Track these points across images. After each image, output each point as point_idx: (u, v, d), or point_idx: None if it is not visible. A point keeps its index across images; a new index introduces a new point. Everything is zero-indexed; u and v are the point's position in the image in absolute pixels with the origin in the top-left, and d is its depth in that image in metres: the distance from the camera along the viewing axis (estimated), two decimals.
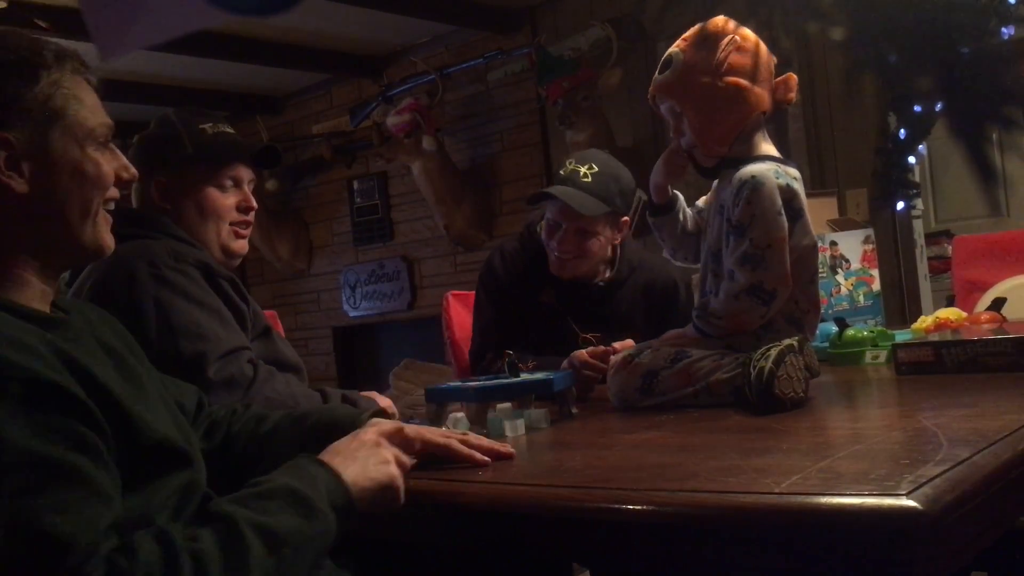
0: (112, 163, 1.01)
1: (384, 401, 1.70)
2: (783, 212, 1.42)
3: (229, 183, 1.67)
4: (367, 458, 0.99)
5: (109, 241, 1.02)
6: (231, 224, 1.67)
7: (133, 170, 1.03)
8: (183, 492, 0.96)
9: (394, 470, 0.99)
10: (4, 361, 0.82)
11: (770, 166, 1.45)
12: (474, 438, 1.16)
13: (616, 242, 2.09)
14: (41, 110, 0.93)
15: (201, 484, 1.02)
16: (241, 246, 1.70)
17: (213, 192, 1.65)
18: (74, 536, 0.77)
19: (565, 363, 1.76)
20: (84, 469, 0.82)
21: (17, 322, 0.88)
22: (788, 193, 1.43)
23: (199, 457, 1.04)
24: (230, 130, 1.72)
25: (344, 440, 1.02)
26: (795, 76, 1.52)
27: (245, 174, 1.70)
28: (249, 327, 1.59)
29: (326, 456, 0.98)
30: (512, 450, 1.15)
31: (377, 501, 0.98)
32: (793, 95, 1.52)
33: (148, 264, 1.48)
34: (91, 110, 0.98)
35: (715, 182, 1.57)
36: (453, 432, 1.18)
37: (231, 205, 1.67)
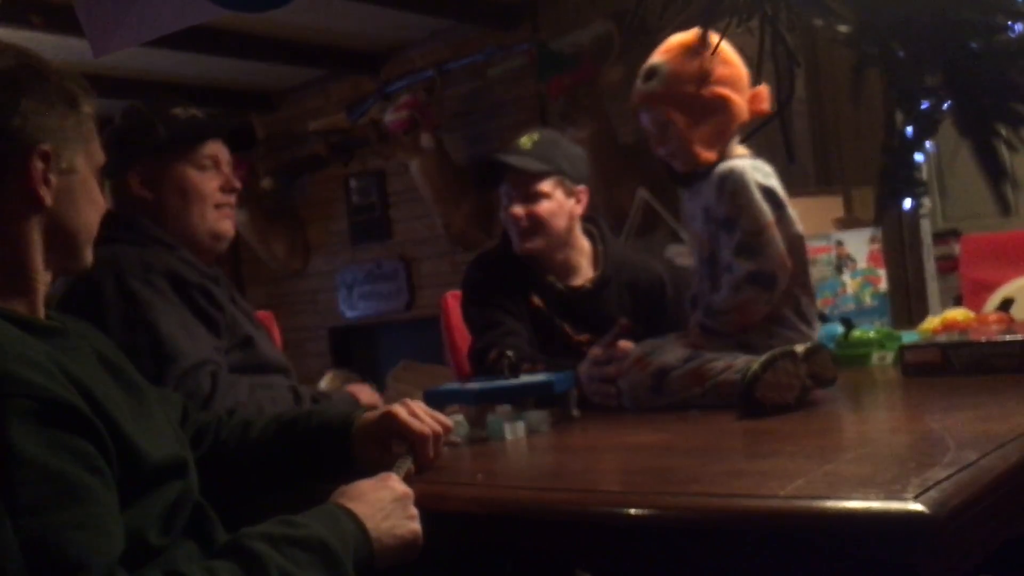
0: (101, 194, 1.07)
1: (366, 396, 1.68)
2: (765, 200, 1.46)
3: (208, 163, 1.65)
4: (394, 512, 1.00)
5: (91, 262, 1.07)
6: (216, 206, 1.65)
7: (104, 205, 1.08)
8: (175, 503, 0.96)
9: (418, 527, 1.01)
10: (15, 378, 0.83)
11: (745, 160, 1.50)
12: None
13: (577, 213, 2.06)
14: (75, 134, 1.00)
15: (193, 492, 1.02)
16: (228, 228, 1.69)
17: (193, 173, 1.63)
18: (91, 555, 0.78)
19: (583, 367, 1.62)
20: (95, 489, 0.83)
21: (23, 335, 0.89)
22: (764, 186, 1.47)
23: (192, 464, 1.04)
24: (200, 113, 1.71)
25: (373, 485, 1.03)
26: (767, 88, 1.55)
27: (223, 154, 1.69)
28: (224, 335, 1.55)
29: (356, 504, 0.99)
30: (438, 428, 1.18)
31: (397, 557, 1.00)
32: (766, 106, 1.55)
33: (114, 277, 1.47)
34: (97, 145, 1.05)
35: (686, 194, 1.60)
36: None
37: (214, 187, 1.66)
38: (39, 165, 0.95)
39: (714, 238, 1.50)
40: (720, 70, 1.51)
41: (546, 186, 2.00)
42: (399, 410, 1.17)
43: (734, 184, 1.46)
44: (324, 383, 1.89)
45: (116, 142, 1.65)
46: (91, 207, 1.03)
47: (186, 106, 1.69)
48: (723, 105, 1.51)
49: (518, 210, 2.00)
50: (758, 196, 1.45)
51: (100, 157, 1.05)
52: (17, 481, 0.78)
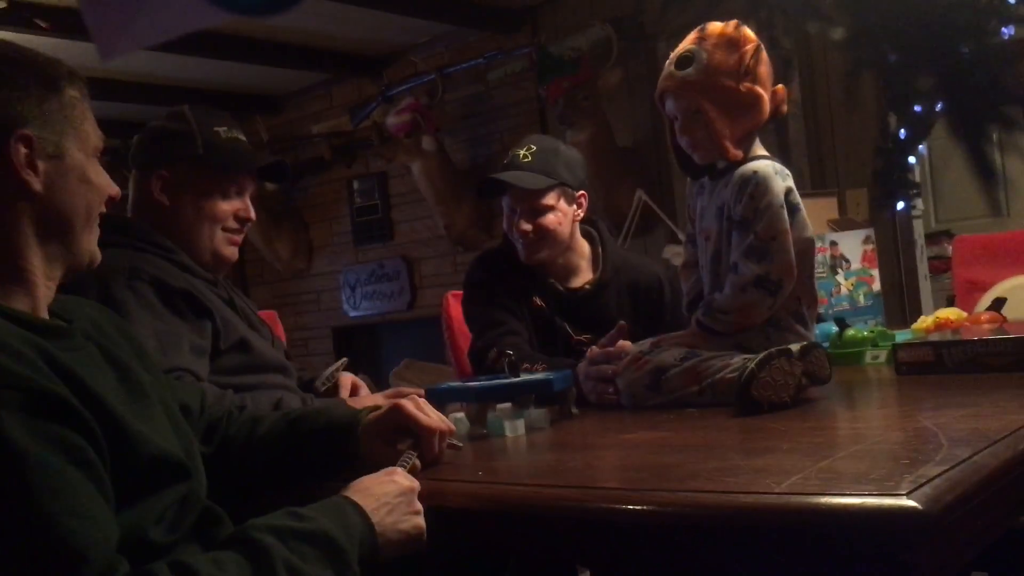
0: (104, 177, 1.05)
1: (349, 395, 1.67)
2: (784, 205, 1.45)
3: (232, 190, 1.66)
4: (399, 506, 1.01)
5: (99, 254, 1.05)
6: (224, 230, 1.66)
7: (116, 188, 1.07)
8: (180, 505, 0.96)
9: (422, 521, 1.02)
10: (1, 370, 0.82)
11: (768, 163, 1.48)
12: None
13: (578, 218, 2.08)
14: (59, 116, 0.98)
15: (200, 496, 1.02)
16: (232, 253, 1.68)
17: (215, 197, 1.64)
18: (89, 547, 0.78)
19: (582, 366, 1.64)
20: (86, 480, 0.82)
21: (14, 330, 0.89)
22: (785, 189, 1.47)
23: (200, 468, 1.03)
24: (242, 137, 1.70)
25: (379, 479, 1.03)
26: (784, 88, 1.55)
27: (249, 184, 1.69)
28: (210, 339, 1.54)
29: (361, 497, 0.99)
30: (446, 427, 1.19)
31: (401, 551, 1.00)
32: (786, 107, 1.55)
33: (99, 283, 1.45)
34: (93, 126, 1.03)
35: (697, 188, 1.59)
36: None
37: (229, 212, 1.66)
38: (21, 150, 0.94)
39: (724, 236, 1.48)
40: (759, 68, 1.48)
41: (550, 199, 2.00)
42: (405, 403, 1.18)
43: (757, 186, 1.44)
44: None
45: (152, 139, 1.66)
46: (87, 188, 1.00)
47: (230, 127, 1.67)
48: (756, 102, 1.48)
49: (525, 226, 2.00)
50: (779, 202, 1.43)
51: (96, 139, 1.02)
52: (9, 472, 0.78)
